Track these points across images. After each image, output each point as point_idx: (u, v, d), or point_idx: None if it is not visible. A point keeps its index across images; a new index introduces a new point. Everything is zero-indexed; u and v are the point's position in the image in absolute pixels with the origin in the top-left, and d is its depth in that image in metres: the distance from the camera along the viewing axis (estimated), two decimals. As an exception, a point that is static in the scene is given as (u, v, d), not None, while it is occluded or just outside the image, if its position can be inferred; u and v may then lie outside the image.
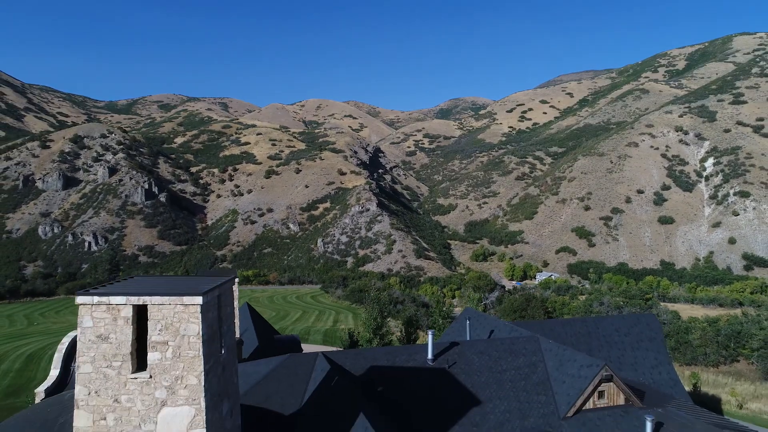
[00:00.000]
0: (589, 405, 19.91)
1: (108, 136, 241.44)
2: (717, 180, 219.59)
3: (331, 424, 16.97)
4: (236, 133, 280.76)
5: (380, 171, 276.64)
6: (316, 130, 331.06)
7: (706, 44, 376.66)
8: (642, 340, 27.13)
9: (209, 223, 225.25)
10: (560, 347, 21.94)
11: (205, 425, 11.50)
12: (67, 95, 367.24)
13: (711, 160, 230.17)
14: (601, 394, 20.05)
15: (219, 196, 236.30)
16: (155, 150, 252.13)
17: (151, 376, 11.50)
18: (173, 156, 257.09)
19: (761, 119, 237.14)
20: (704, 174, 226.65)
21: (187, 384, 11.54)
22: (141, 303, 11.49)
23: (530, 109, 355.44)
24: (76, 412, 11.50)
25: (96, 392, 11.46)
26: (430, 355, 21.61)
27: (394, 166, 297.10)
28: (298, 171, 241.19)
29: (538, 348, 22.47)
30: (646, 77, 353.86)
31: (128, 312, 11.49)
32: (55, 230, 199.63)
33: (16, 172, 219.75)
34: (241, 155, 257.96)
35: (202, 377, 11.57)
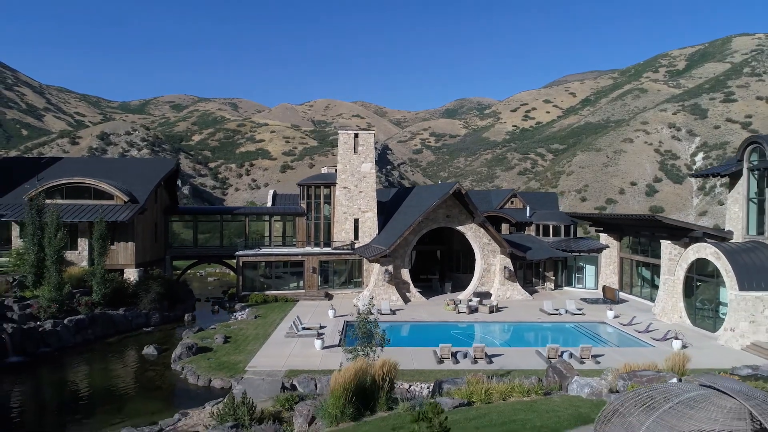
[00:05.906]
0: (508, 206, 50.38)
1: (132, 134, 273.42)
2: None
3: (396, 201, 47.33)
4: (251, 131, 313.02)
5: (388, 167, 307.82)
6: (326, 129, 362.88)
7: (706, 45, 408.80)
8: (546, 203, 57.27)
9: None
10: (507, 190, 52.42)
11: (374, 169, 41.99)
12: (82, 96, 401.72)
13: (701, 155, 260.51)
14: (513, 202, 50.38)
15: (237, 189, 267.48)
16: (176, 147, 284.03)
17: (358, 155, 41.85)
18: (192, 152, 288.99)
19: (749, 116, 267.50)
20: (694, 167, 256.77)
21: (368, 156, 41.96)
22: (356, 132, 41.98)
23: (534, 109, 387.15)
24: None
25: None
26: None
27: (402, 163, 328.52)
28: (311, 165, 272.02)
29: (492, 193, 52.99)
30: (647, 77, 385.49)
31: (353, 135, 41.99)
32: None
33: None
34: (256, 151, 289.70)
35: (374, 154, 41.92)
